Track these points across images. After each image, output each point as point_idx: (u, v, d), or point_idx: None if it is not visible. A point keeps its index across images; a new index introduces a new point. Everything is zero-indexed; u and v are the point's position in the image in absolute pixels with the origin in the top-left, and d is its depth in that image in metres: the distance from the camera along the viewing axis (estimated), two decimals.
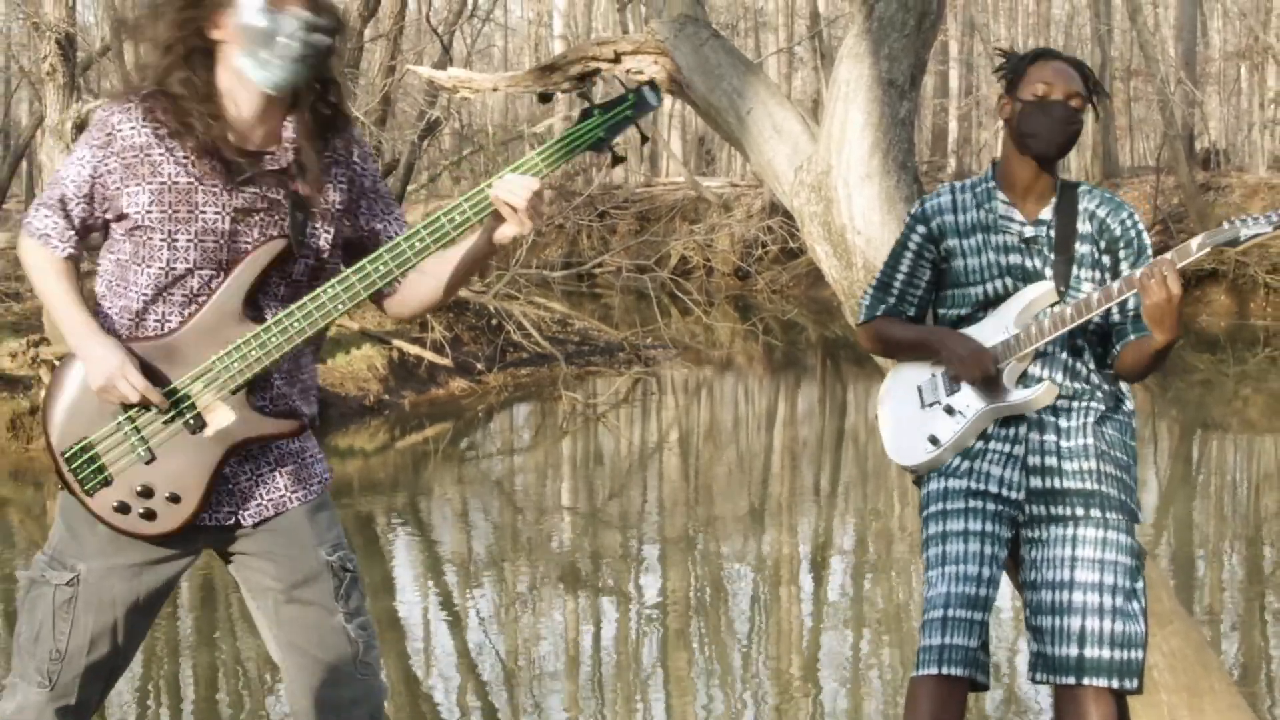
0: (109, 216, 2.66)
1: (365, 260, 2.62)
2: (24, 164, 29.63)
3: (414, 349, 13.01)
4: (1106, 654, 3.07)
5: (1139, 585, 3.14)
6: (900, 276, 3.35)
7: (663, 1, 4.25)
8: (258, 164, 2.64)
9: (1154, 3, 28.44)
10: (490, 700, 5.63)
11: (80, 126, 11.19)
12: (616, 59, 4.22)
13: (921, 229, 3.30)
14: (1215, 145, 27.01)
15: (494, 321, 14.39)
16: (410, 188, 17.57)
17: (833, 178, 3.79)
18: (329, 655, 2.70)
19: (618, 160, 2.74)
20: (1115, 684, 3.08)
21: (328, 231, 2.71)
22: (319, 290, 2.62)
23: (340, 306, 2.62)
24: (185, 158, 2.61)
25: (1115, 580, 3.11)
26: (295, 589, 2.70)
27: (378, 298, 2.80)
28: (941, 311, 3.36)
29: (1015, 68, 3.24)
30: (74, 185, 2.64)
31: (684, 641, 6.33)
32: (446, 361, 13.10)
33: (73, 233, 2.66)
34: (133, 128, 2.61)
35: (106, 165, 2.62)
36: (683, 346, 16.39)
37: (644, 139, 2.74)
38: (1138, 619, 3.10)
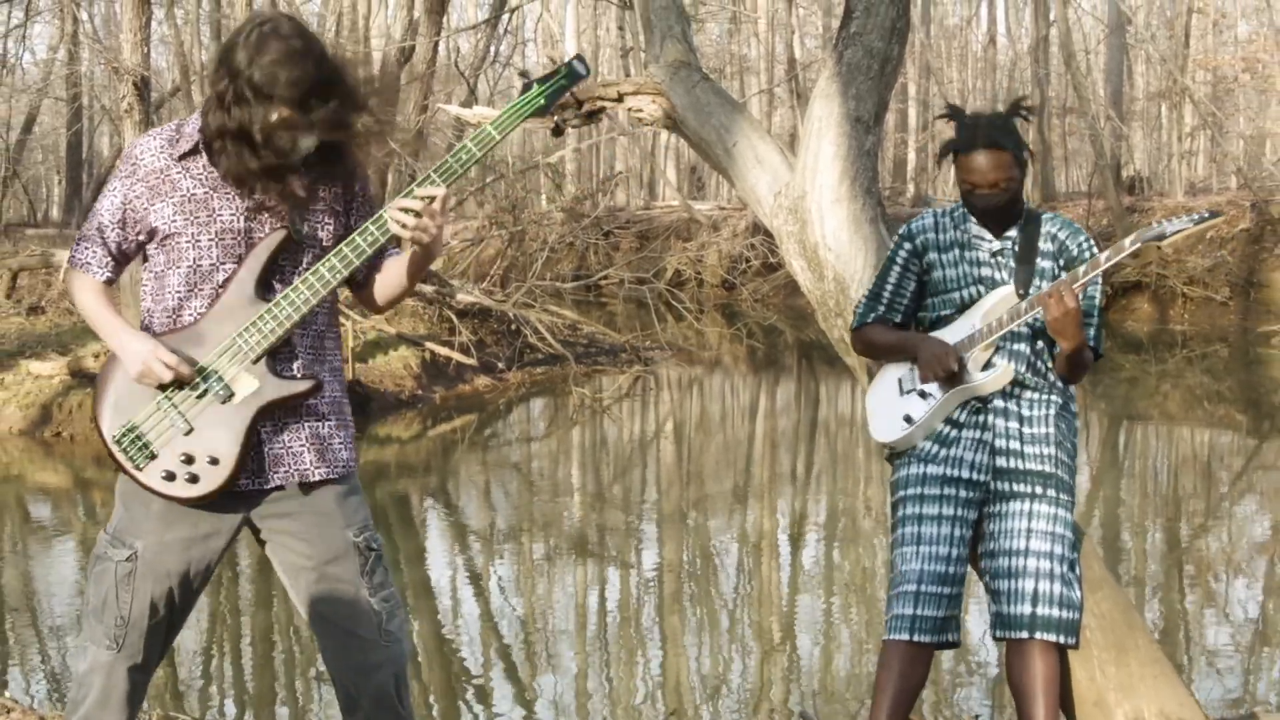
0: (142, 238, 2.66)
1: (354, 233, 2.63)
2: None
3: (444, 350, 13.00)
4: (1055, 613, 3.10)
5: (1076, 557, 3.19)
6: (889, 287, 3.37)
7: (659, 49, 4.24)
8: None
9: (1086, 49, 28.41)
10: (509, 653, 5.63)
11: None
12: (619, 98, 4.20)
13: (908, 245, 3.33)
14: (1139, 173, 26.96)
15: (513, 327, 14.38)
16: None
17: (807, 202, 3.79)
18: (356, 625, 2.68)
19: (559, 130, 2.72)
20: (1060, 639, 3.11)
21: (328, 225, 2.71)
22: (318, 265, 2.62)
23: (337, 276, 2.62)
24: (200, 172, 2.62)
25: (1062, 551, 3.15)
26: (325, 566, 2.67)
27: (358, 293, 2.78)
28: (923, 314, 3.38)
29: (946, 152, 3.24)
30: (108, 214, 2.66)
31: (678, 604, 6.33)
32: (472, 361, 13.09)
33: (110, 259, 2.67)
34: (153, 155, 2.64)
35: (134, 191, 2.64)
36: (677, 348, 16.38)
37: (580, 105, 2.72)
38: (1075, 586, 3.14)
